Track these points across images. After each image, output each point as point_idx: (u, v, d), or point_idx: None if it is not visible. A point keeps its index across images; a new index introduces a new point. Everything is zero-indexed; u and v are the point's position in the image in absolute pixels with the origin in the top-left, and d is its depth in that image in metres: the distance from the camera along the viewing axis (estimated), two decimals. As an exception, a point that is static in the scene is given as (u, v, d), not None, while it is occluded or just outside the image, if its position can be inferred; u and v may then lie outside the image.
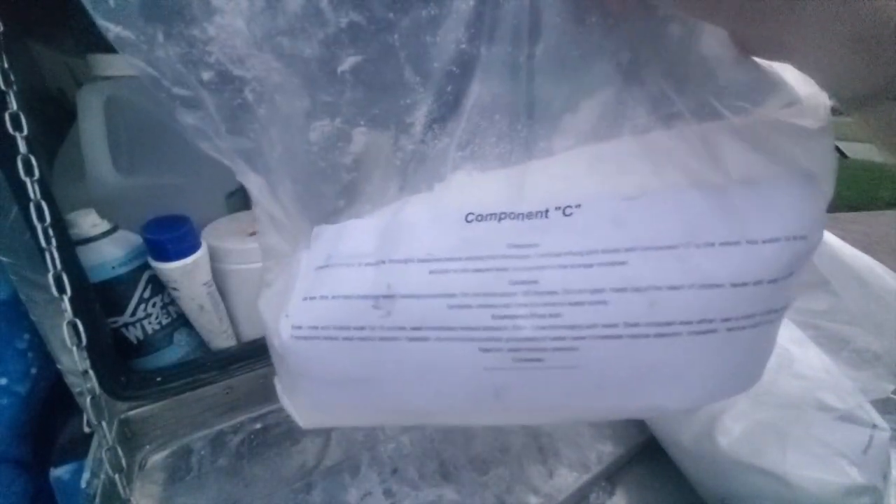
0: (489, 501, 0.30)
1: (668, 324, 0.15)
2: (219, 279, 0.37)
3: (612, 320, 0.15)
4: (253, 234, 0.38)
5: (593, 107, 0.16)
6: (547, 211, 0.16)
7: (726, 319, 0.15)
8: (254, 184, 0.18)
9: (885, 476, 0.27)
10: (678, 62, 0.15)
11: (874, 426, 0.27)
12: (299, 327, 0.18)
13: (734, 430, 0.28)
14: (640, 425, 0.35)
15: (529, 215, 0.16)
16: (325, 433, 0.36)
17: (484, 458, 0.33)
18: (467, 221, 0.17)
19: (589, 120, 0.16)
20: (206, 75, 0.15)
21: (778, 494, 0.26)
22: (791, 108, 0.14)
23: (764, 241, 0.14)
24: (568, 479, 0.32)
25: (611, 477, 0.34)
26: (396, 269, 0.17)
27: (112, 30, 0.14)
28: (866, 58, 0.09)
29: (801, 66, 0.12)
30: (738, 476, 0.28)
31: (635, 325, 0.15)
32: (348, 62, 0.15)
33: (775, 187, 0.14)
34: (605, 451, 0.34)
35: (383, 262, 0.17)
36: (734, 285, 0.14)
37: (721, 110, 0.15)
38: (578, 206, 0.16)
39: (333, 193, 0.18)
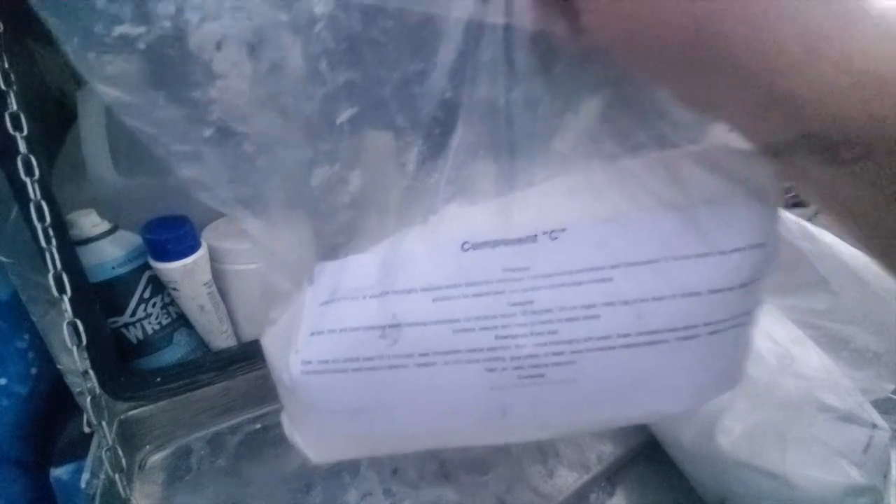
0: (489, 502, 0.30)
1: (656, 332, 0.17)
2: (219, 279, 0.37)
3: (605, 332, 0.17)
4: (253, 234, 0.38)
5: (567, 140, 0.17)
6: (535, 236, 0.17)
7: (707, 324, 0.17)
8: (254, 227, 0.18)
9: (886, 476, 0.27)
10: (637, 101, 0.17)
11: (874, 426, 0.27)
12: (309, 362, 0.19)
13: (734, 431, 0.28)
14: (639, 426, 0.35)
15: (520, 241, 0.17)
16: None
17: (484, 458, 0.33)
18: (463, 250, 0.18)
19: (564, 152, 0.17)
20: (208, 132, 0.16)
21: (778, 494, 0.26)
22: (733, 132, 0.16)
23: (731, 251, 0.16)
24: (568, 480, 0.32)
25: (611, 477, 0.34)
26: (400, 299, 0.18)
27: (111, 94, 0.14)
28: (768, 123, 0.12)
29: (725, 123, 0.15)
30: (738, 476, 0.28)
31: (626, 335, 0.17)
32: (345, 114, 0.16)
33: (733, 204, 0.16)
34: (606, 452, 0.34)
35: (386, 293, 0.18)
36: (711, 292, 0.16)
37: (677, 140, 0.17)
38: (563, 230, 0.17)
39: (333, 232, 0.19)
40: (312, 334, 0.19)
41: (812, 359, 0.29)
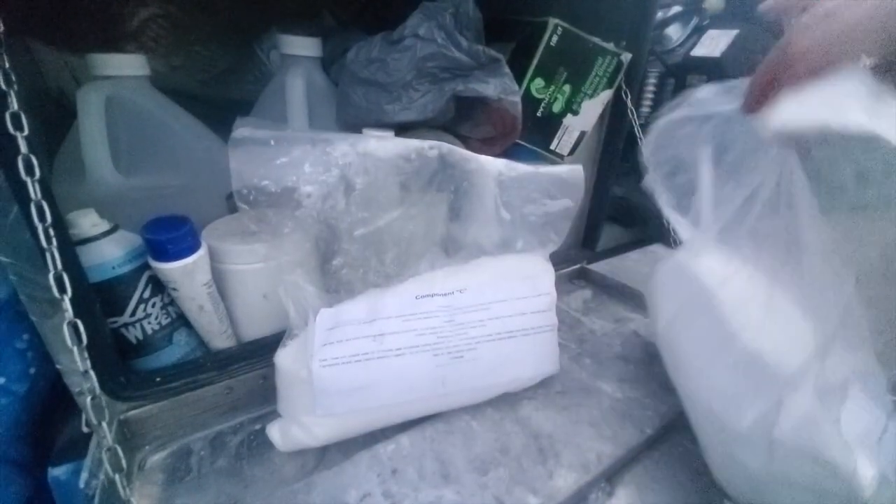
0: (488, 502, 0.30)
1: (512, 331, 0.36)
2: (218, 279, 0.37)
3: (489, 333, 0.35)
4: (253, 234, 0.38)
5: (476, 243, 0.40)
6: (453, 291, 0.36)
7: (534, 328, 0.37)
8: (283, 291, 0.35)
9: None
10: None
11: (890, 415, 0.27)
12: (324, 359, 0.32)
13: (795, 417, 0.26)
14: (639, 426, 0.35)
15: (446, 294, 0.36)
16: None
17: (483, 458, 0.33)
18: (416, 298, 0.35)
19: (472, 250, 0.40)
20: None
21: (827, 484, 0.26)
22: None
23: (542, 295, 0.38)
24: (567, 480, 0.32)
25: (610, 478, 0.34)
26: (383, 321, 0.34)
27: None
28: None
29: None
30: (791, 464, 0.27)
31: (499, 333, 0.36)
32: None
33: (542, 278, 0.39)
34: (605, 452, 0.34)
35: (375, 319, 0.34)
36: (533, 312, 0.37)
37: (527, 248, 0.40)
38: (466, 288, 0.36)
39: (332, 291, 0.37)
40: (324, 345, 0.32)
41: (838, 357, 0.27)
